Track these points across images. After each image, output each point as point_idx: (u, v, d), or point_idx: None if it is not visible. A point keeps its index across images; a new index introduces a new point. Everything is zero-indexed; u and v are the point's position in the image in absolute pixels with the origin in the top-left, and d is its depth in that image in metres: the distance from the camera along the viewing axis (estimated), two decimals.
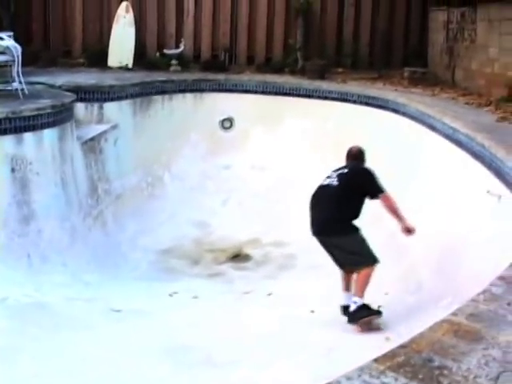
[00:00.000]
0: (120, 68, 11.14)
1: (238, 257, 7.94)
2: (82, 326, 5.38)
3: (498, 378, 2.19)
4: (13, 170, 6.41)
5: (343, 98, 9.57)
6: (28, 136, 6.65)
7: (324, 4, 12.04)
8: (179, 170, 9.47)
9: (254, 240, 8.27)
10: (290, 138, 9.57)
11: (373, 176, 5.52)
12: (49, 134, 6.93)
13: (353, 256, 5.37)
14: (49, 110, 6.97)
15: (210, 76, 10.52)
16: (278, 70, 11.35)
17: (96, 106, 8.69)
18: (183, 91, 9.99)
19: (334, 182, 5.52)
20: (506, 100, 7.92)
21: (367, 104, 9.25)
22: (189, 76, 10.51)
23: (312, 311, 5.83)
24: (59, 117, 7.16)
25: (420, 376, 2.17)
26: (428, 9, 11.74)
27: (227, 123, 10.04)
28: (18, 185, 6.45)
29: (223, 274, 7.43)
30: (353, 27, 12.15)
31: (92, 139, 8.08)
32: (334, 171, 5.70)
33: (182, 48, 11.52)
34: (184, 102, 9.98)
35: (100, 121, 8.68)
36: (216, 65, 11.54)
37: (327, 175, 5.72)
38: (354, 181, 5.56)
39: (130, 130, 9.03)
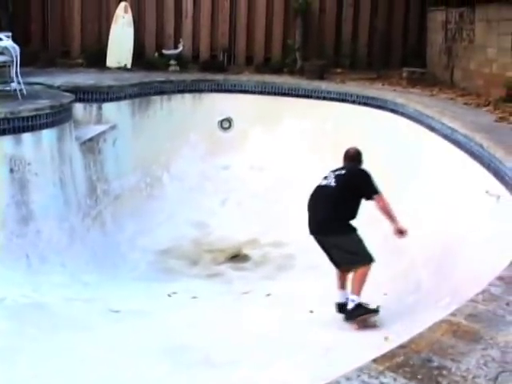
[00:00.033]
0: (119, 68, 11.14)
1: (236, 257, 7.94)
2: (80, 326, 5.38)
3: (496, 378, 2.19)
4: (11, 171, 6.41)
5: (342, 98, 9.58)
6: (26, 136, 6.65)
7: (323, 4, 12.05)
8: (178, 170, 9.47)
9: (252, 240, 8.27)
10: (289, 139, 9.57)
11: (369, 177, 5.59)
12: (47, 135, 6.93)
13: (350, 255, 5.43)
14: (47, 111, 6.96)
15: (209, 76, 10.52)
16: (277, 71, 11.36)
17: (95, 106, 8.69)
18: (182, 91, 9.99)
19: (332, 182, 5.58)
20: (504, 100, 7.92)
21: (366, 104, 9.25)
22: (187, 76, 10.51)
23: (311, 311, 5.84)
24: (58, 117, 7.15)
25: (419, 376, 2.17)
26: (426, 9, 11.75)
27: (226, 123, 10.04)
28: (16, 185, 6.44)
29: (222, 275, 7.43)
30: (351, 27, 12.17)
31: (91, 140, 8.07)
32: (332, 172, 5.76)
33: (180, 48, 11.53)
34: (183, 103, 9.98)
35: (99, 121, 8.67)
36: (215, 65, 11.54)
37: (325, 175, 5.78)
38: (351, 182, 5.63)
39: (128, 130, 9.02)
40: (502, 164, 5.47)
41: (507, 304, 2.85)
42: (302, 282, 6.74)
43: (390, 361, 2.26)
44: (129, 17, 11.45)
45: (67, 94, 8.10)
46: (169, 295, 6.41)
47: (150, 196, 9.03)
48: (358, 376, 2.14)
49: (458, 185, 6.37)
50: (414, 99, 8.69)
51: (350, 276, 5.54)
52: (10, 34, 7.88)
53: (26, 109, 6.73)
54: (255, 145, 9.71)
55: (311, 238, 5.80)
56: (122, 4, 11.52)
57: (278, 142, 9.62)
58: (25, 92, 7.45)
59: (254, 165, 9.51)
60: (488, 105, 8.10)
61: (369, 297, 5.84)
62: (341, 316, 5.66)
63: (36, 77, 9.01)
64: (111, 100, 8.88)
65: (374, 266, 5.84)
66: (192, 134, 9.71)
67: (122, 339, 5.23)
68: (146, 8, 11.85)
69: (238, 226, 8.44)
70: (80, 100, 8.45)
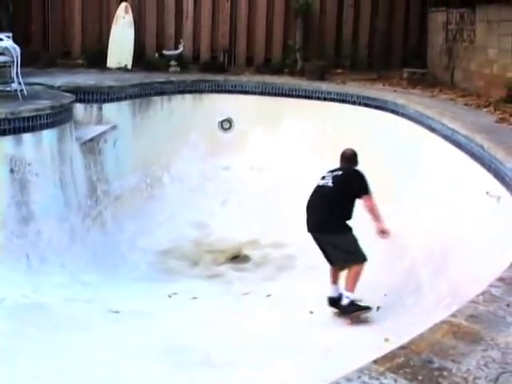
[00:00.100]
0: (119, 69, 11.14)
1: (237, 258, 7.94)
2: (80, 326, 5.38)
3: (497, 379, 2.19)
4: (12, 171, 6.41)
5: (342, 98, 9.58)
6: (27, 137, 6.65)
7: (323, 5, 12.05)
8: (178, 170, 9.47)
9: (253, 241, 8.27)
10: (289, 139, 9.56)
11: (363, 178, 5.78)
12: (48, 135, 6.93)
13: (345, 254, 5.66)
14: (48, 111, 6.97)
15: (209, 77, 10.52)
16: (277, 71, 11.36)
17: (95, 106, 8.69)
18: (182, 92, 9.99)
19: (329, 183, 5.80)
20: (504, 101, 7.92)
21: (366, 105, 9.25)
22: (188, 77, 10.51)
23: (311, 312, 5.84)
24: (58, 118, 7.15)
25: (420, 377, 2.17)
26: (427, 10, 11.75)
27: (226, 124, 10.04)
28: (16, 186, 6.44)
29: (222, 275, 7.43)
30: (352, 28, 12.17)
31: (91, 140, 8.07)
32: (329, 172, 5.94)
33: (181, 49, 11.53)
34: (183, 103, 9.98)
35: (99, 122, 8.67)
36: (215, 66, 11.54)
37: (322, 175, 5.96)
38: (347, 182, 5.81)
39: (129, 130, 9.03)
40: (502, 165, 5.47)
41: (508, 305, 2.85)
42: (303, 282, 6.74)
43: (390, 362, 2.26)
44: (129, 17, 11.46)
45: (68, 94, 8.10)
46: (169, 296, 6.41)
47: (150, 196, 9.04)
48: (359, 377, 2.14)
49: (458, 186, 6.37)
50: (415, 100, 8.69)
51: (344, 274, 5.75)
52: (10, 34, 7.89)
53: (26, 109, 6.73)
54: (255, 145, 9.71)
55: (311, 239, 5.91)
56: (123, 5, 11.53)
57: (278, 142, 9.61)
58: (25, 92, 7.45)
59: (254, 165, 9.51)
60: (488, 105, 8.10)
61: (369, 297, 5.86)
62: (340, 316, 5.72)
63: (36, 77, 9.01)
64: (112, 100, 8.88)
65: (374, 266, 5.85)
66: (192, 134, 9.71)
67: (122, 339, 5.23)
68: (146, 9, 11.85)
69: (239, 226, 8.44)
70: (80, 100, 8.45)
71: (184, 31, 11.92)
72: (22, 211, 6.41)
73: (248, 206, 8.89)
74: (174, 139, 9.40)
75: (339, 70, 11.51)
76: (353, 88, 9.93)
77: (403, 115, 8.43)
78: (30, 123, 6.68)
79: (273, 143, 9.63)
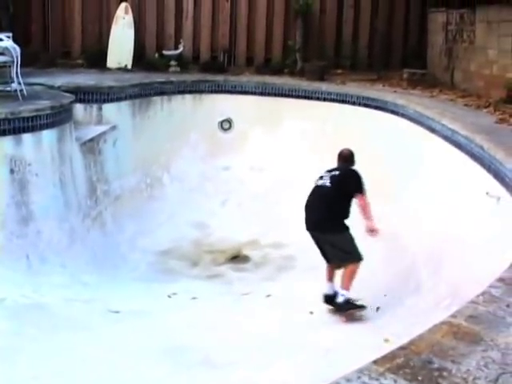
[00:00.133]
0: (119, 69, 11.14)
1: (236, 258, 7.94)
2: (80, 326, 5.38)
3: (497, 379, 2.19)
4: (12, 171, 6.41)
5: (342, 99, 9.58)
6: (27, 137, 6.65)
7: (323, 5, 12.05)
8: (178, 171, 9.47)
9: (252, 241, 8.27)
10: (289, 140, 9.57)
11: (359, 178, 5.89)
12: (48, 135, 6.93)
13: (342, 253, 5.77)
14: (48, 111, 6.96)
15: (209, 77, 10.52)
16: (277, 71, 11.36)
17: (95, 107, 8.69)
18: (182, 92, 10.00)
19: (327, 182, 5.89)
20: (504, 101, 7.93)
21: (366, 105, 9.26)
22: (188, 77, 10.51)
23: (311, 312, 5.84)
24: (58, 118, 7.15)
25: (419, 378, 2.17)
26: (427, 10, 11.75)
27: (226, 124, 10.04)
28: (16, 186, 6.44)
29: (222, 276, 7.42)
30: (352, 28, 12.17)
31: (91, 140, 8.07)
32: (327, 172, 6.03)
33: (181, 49, 11.53)
34: (183, 103, 9.98)
35: (99, 122, 8.67)
36: (215, 66, 11.54)
37: (320, 175, 6.04)
38: (345, 182, 5.90)
39: (129, 131, 9.03)
40: (502, 165, 5.48)
41: (507, 305, 2.85)
42: (302, 282, 6.73)
43: (390, 362, 2.26)
44: (129, 17, 11.46)
45: (67, 94, 8.10)
46: (169, 296, 6.41)
47: (150, 197, 9.03)
48: (359, 377, 2.14)
49: (458, 186, 6.37)
50: (415, 100, 8.69)
51: (340, 272, 5.85)
52: (10, 34, 7.89)
53: (26, 109, 6.73)
54: (255, 146, 9.71)
55: (311, 239, 5.96)
56: (123, 5, 11.53)
57: (278, 142, 9.61)
58: (25, 92, 7.45)
59: (254, 166, 9.51)
60: (488, 106, 8.10)
61: (368, 298, 5.87)
62: (339, 316, 5.75)
63: (36, 77, 9.01)
64: (111, 101, 8.88)
65: (373, 266, 5.86)
66: (192, 134, 9.71)
67: (122, 340, 5.23)
68: (146, 9, 11.85)
69: (238, 226, 8.44)
70: (80, 101, 8.46)
71: (184, 31, 11.92)
72: (21, 211, 6.41)
73: (248, 207, 8.89)
74: (173, 139, 9.40)
75: (339, 71, 11.52)
76: (353, 88, 9.93)
77: (403, 116, 8.44)
78: (30, 123, 6.68)
79: (273, 143, 9.63)
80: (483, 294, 2.99)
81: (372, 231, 5.79)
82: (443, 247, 6.01)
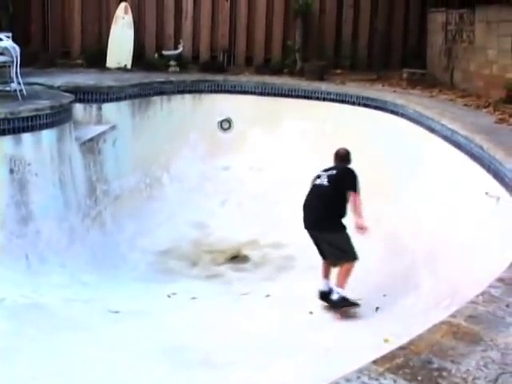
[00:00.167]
0: (119, 69, 11.14)
1: (236, 258, 7.94)
2: (80, 326, 5.37)
3: (496, 379, 2.19)
4: (11, 171, 6.40)
5: (342, 99, 9.58)
6: (26, 137, 6.64)
7: (323, 5, 12.05)
8: (178, 171, 9.47)
9: (252, 241, 8.27)
10: (289, 140, 9.57)
11: (355, 177, 5.97)
12: (47, 135, 6.92)
13: (339, 252, 5.87)
14: (47, 111, 6.96)
15: (209, 77, 10.51)
16: (277, 71, 11.36)
17: (95, 106, 8.69)
18: (182, 92, 9.99)
19: (325, 182, 5.98)
20: (504, 101, 7.93)
21: (366, 105, 9.25)
22: (187, 77, 10.51)
23: (310, 312, 5.84)
24: (58, 117, 7.15)
25: (419, 378, 2.17)
26: (426, 10, 11.75)
27: (226, 124, 10.04)
28: (16, 185, 6.44)
29: (222, 276, 7.42)
30: (351, 28, 12.17)
31: (91, 140, 8.07)
32: (324, 171, 6.11)
33: (180, 49, 11.53)
34: (183, 103, 9.98)
35: (99, 122, 8.67)
36: (215, 66, 11.54)
37: (317, 174, 6.12)
38: (342, 181, 5.99)
39: (128, 130, 9.02)
40: (501, 165, 5.48)
41: (507, 305, 2.85)
42: (302, 282, 6.73)
43: (389, 362, 2.26)
44: (129, 17, 11.46)
45: (67, 94, 8.10)
46: (168, 296, 6.41)
47: (149, 197, 9.03)
48: (358, 377, 2.14)
49: (458, 186, 6.37)
50: (414, 100, 8.69)
51: (336, 270, 5.94)
52: (10, 34, 7.88)
53: (25, 109, 6.73)
54: (255, 145, 9.71)
55: (310, 239, 5.97)
56: (122, 5, 11.53)
57: (277, 142, 9.61)
58: (25, 92, 7.45)
59: (253, 165, 9.51)
60: (488, 106, 8.10)
61: (368, 298, 5.87)
62: (340, 316, 5.77)
63: (36, 77, 9.01)
64: (111, 100, 8.88)
65: (373, 266, 5.86)
66: (192, 134, 9.70)
67: (122, 340, 5.23)
68: (146, 9, 11.85)
69: (238, 226, 8.44)
70: (80, 100, 8.45)
71: (183, 31, 11.92)
72: (21, 211, 6.41)
73: (247, 206, 8.89)
74: (173, 139, 9.40)
75: (339, 71, 11.52)
76: (352, 88, 9.93)
77: (403, 116, 8.44)
78: (30, 123, 6.67)
79: (272, 143, 9.63)
80: (483, 293, 2.99)
81: (361, 229, 5.85)
82: (443, 247, 6.01)
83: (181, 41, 11.64)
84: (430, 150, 7.43)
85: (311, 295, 6.15)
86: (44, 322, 5.33)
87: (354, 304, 5.86)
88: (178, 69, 11.26)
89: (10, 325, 5.15)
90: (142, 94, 9.45)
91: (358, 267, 5.81)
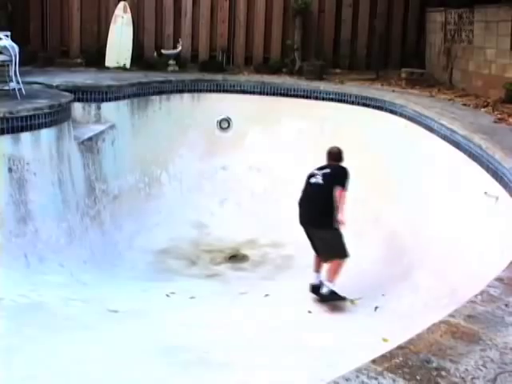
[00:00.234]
0: (118, 68, 11.14)
1: (235, 257, 7.95)
2: (78, 326, 5.36)
3: (495, 379, 2.19)
4: (10, 170, 6.39)
5: (341, 98, 9.58)
6: (25, 136, 6.63)
7: (322, 5, 12.06)
8: (177, 170, 9.47)
9: (251, 241, 8.27)
10: (288, 139, 9.56)
11: (346, 174, 6.14)
12: (46, 134, 6.92)
13: (331, 248, 6.06)
14: (46, 110, 6.95)
15: (208, 76, 10.52)
16: (276, 71, 11.37)
17: (93, 106, 8.69)
18: (181, 91, 9.99)
19: (320, 180, 6.11)
20: (503, 101, 7.94)
21: (365, 105, 9.26)
22: (186, 76, 10.50)
23: (309, 312, 5.84)
24: (56, 117, 7.14)
25: (418, 377, 2.17)
26: (426, 10, 11.76)
27: (225, 124, 10.03)
28: (15, 185, 6.43)
29: (220, 275, 7.42)
30: (350, 28, 12.18)
31: (89, 139, 8.06)
32: (318, 170, 6.24)
33: (179, 48, 11.53)
34: (181, 103, 9.98)
35: (97, 121, 8.67)
36: (214, 65, 11.54)
37: (312, 173, 6.24)
38: (335, 179, 6.09)
39: (127, 130, 9.02)
40: (500, 165, 5.48)
41: (506, 305, 2.85)
42: (301, 282, 6.72)
43: (388, 361, 2.26)
44: (128, 17, 11.46)
45: (66, 93, 8.09)
46: (167, 295, 6.40)
47: (148, 196, 9.03)
48: (357, 377, 2.14)
49: (456, 186, 6.37)
50: (413, 100, 8.70)
51: (327, 266, 6.15)
52: (8, 33, 7.87)
53: (24, 108, 6.72)
54: (254, 145, 9.71)
55: (305, 234, 6.09)
56: (121, 4, 11.53)
57: (276, 142, 9.61)
58: (24, 91, 7.44)
59: (252, 165, 9.51)
60: (487, 106, 8.11)
61: (367, 297, 5.87)
62: (340, 316, 5.79)
63: (35, 76, 9.01)
64: (110, 100, 8.87)
65: (372, 266, 5.85)
66: (191, 133, 9.70)
67: (120, 339, 5.22)
68: (145, 8, 11.86)
69: (237, 226, 8.44)
70: (79, 100, 8.45)
71: (183, 31, 11.93)
72: (20, 210, 6.40)
73: (246, 206, 8.90)
74: (172, 138, 9.40)
75: (337, 70, 11.53)
76: (351, 88, 9.93)
77: (401, 115, 8.44)
78: (29, 122, 6.67)
79: (271, 143, 9.63)
80: (482, 293, 2.99)
81: (340, 223, 5.99)
82: (441, 246, 6.01)
83: (180, 40, 11.65)
84: (429, 150, 7.43)
85: (310, 295, 6.16)
86: (43, 322, 5.32)
87: (342, 298, 6.02)
88: (177, 68, 11.27)
89: (9, 324, 5.14)
90: (141, 93, 9.45)
91: (357, 267, 5.83)
